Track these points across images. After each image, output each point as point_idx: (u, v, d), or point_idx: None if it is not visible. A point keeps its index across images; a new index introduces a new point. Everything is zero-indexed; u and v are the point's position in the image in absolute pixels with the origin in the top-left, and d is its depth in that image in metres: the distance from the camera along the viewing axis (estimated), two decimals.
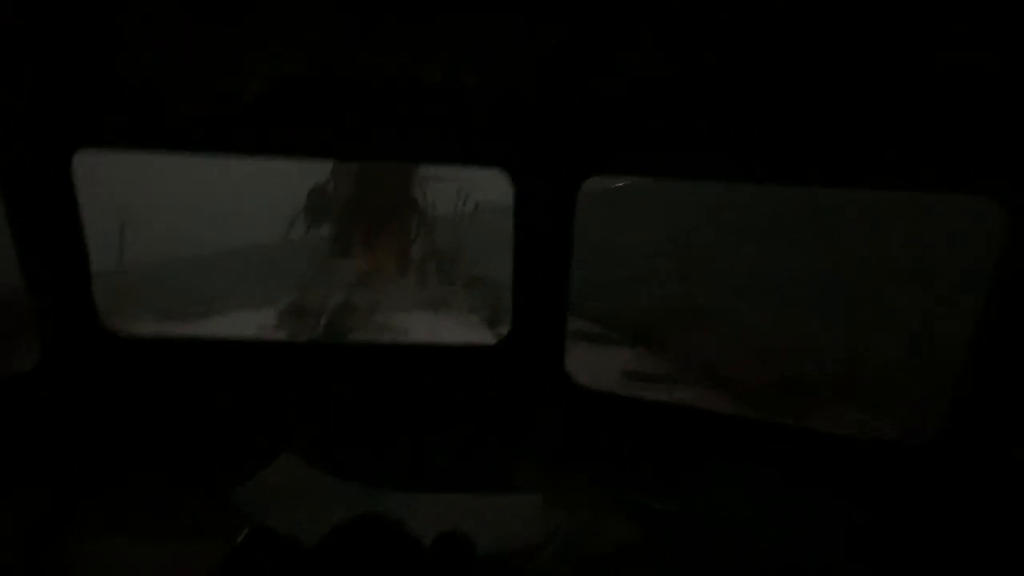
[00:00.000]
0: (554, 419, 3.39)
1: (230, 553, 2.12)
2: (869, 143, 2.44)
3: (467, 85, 2.61)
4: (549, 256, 3.16)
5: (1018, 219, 2.31)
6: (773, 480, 2.79)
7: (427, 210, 10.81)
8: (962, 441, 2.57)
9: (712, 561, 2.27)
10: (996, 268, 2.36)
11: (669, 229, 9.61)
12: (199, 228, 14.27)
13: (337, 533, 2.08)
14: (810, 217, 7.65)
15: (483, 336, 7.99)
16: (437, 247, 10.72)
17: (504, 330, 3.27)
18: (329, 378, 3.46)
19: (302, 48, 2.39)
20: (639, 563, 2.27)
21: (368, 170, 9.73)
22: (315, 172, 10.20)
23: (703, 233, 9.37)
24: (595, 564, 2.22)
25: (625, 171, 3.00)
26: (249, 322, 7.61)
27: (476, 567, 2.08)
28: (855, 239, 7.39)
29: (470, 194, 11.10)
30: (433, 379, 3.49)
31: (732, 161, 2.77)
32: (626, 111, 2.68)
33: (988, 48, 2.09)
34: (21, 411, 3.05)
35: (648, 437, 3.24)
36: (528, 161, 2.99)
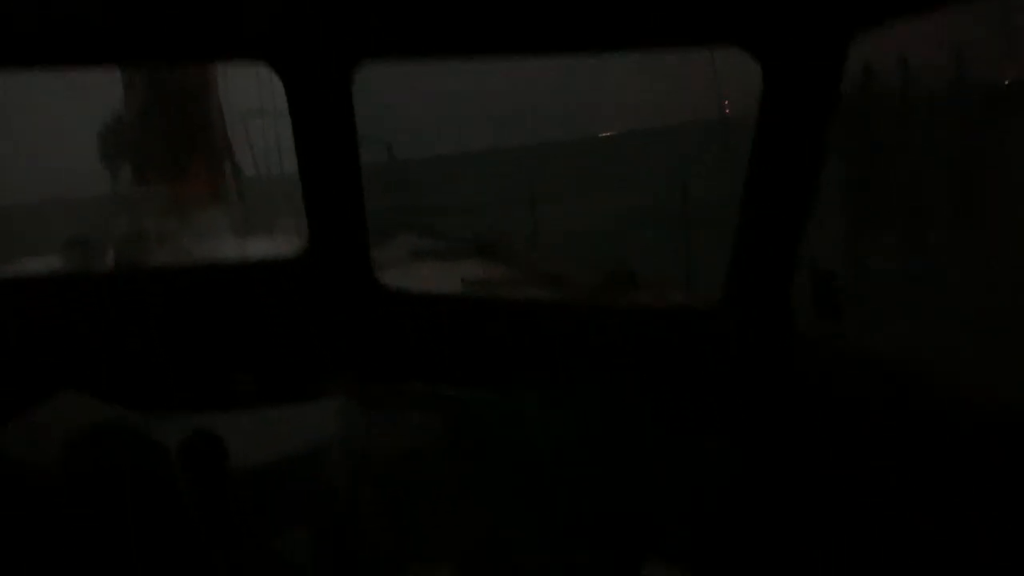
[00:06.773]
0: (364, 326, 3.28)
1: None
2: (628, 3, 2.34)
3: None
4: (334, 153, 2.97)
5: (772, 72, 2.29)
6: (579, 364, 2.79)
7: (247, 140, 10.25)
8: (741, 302, 2.63)
9: (507, 449, 2.24)
10: (757, 125, 2.34)
11: None
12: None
13: (69, 448, 1.89)
14: None
15: None
16: (260, 173, 10.23)
17: None
18: (118, 308, 3.20)
19: None
20: (432, 459, 2.22)
21: (159, 97, 9.10)
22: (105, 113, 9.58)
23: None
24: (384, 462, 2.15)
25: (398, 54, 2.81)
26: (39, 265, 6.94)
27: (227, 463, 1.96)
28: None
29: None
30: (228, 299, 3.28)
31: (509, 35, 2.64)
32: None
33: None
34: None
35: (464, 332, 3.20)
36: (292, 50, 2.75)
